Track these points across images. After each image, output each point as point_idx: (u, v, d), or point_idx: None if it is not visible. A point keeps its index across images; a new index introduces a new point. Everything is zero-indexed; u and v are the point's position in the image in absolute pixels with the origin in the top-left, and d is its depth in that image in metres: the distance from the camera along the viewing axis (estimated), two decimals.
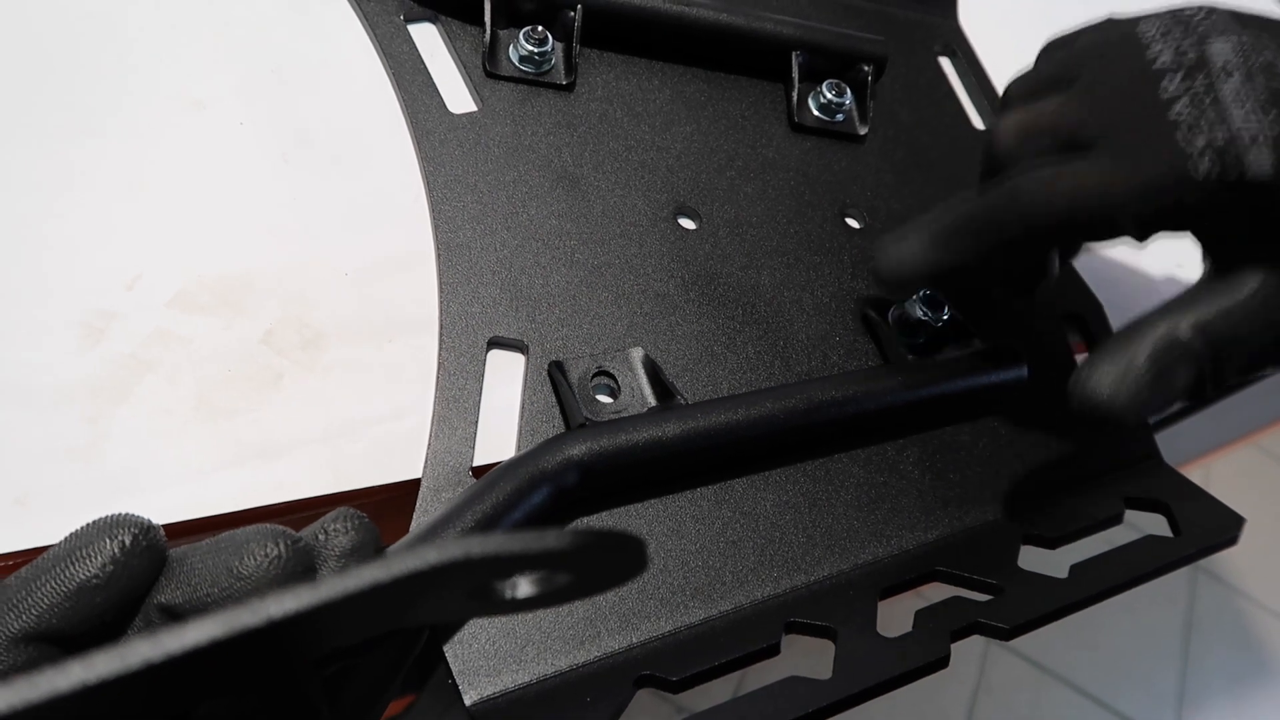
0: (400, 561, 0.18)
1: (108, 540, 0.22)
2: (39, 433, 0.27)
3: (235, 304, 0.31)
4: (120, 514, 0.23)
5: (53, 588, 0.21)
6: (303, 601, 0.17)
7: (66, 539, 0.22)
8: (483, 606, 0.22)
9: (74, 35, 0.34)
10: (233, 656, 0.19)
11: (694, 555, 0.32)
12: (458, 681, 0.28)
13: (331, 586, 0.18)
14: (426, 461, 0.31)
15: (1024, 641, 1.39)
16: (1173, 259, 0.48)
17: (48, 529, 0.26)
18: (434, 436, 0.31)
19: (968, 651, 1.39)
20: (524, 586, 0.20)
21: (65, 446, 0.27)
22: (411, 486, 0.30)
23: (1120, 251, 0.48)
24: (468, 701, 0.28)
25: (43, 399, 0.28)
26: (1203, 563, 1.54)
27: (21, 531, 0.26)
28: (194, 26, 0.36)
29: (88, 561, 0.21)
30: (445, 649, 0.28)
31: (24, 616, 0.21)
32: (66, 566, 0.22)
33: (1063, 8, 0.56)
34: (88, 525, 0.22)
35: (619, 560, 0.20)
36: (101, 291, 0.30)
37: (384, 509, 0.31)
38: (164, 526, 0.26)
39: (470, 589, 0.20)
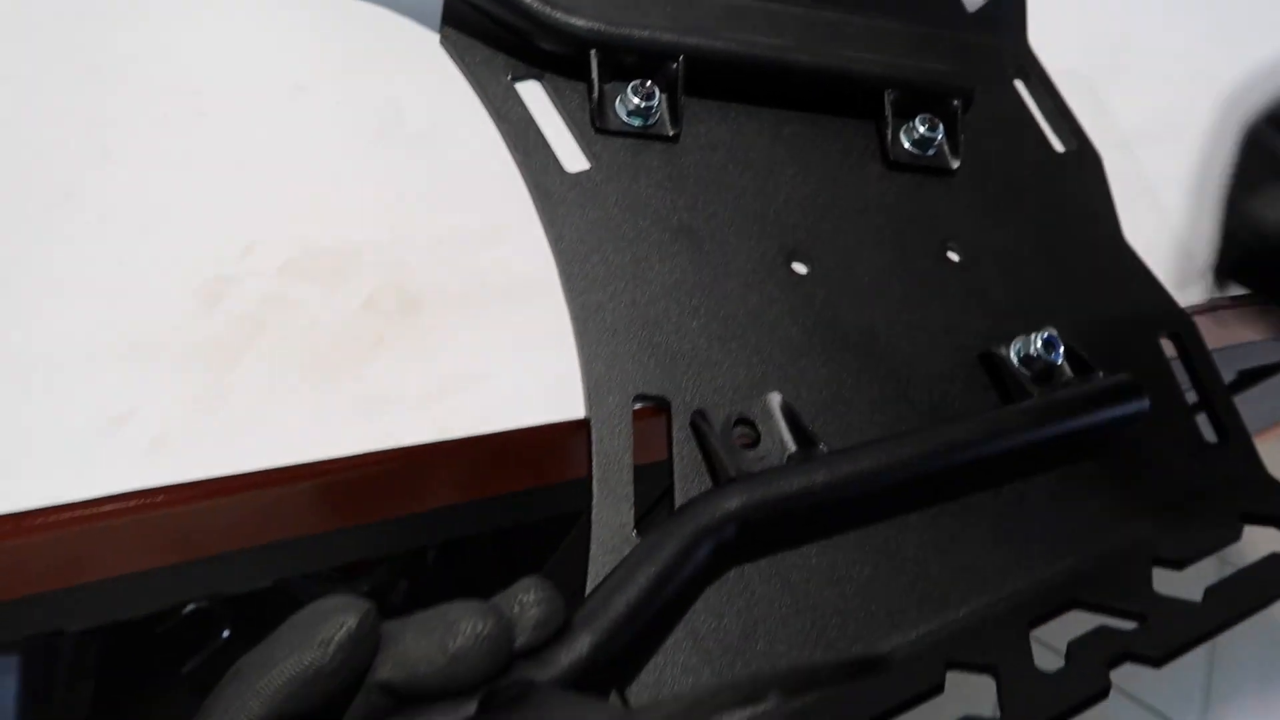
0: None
1: (338, 628, 0.23)
2: (168, 384, 0.30)
3: (339, 271, 0.34)
4: (341, 598, 0.24)
5: (289, 675, 0.22)
6: None
7: (295, 620, 0.23)
8: None
9: (185, 24, 0.36)
10: None
11: (845, 600, 0.33)
12: None
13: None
14: (594, 525, 0.32)
15: (1049, 632, 1.42)
16: None
17: (181, 469, 0.29)
18: (597, 502, 0.32)
19: None
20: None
21: (193, 396, 0.30)
22: (504, 439, 0.33)
23: (1177, 246, 0.49)
24: None
25: (171, 354, 0.30)
26: (1232, 557, 1.57)
27: (158, 471, 0.28)
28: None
29: (322, 649, 0.22)
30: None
31: (264, 703, 0.22)
32: (301, 654, 0.22)
33: (1123, 24, 0.58)
34: (314, 608, 0.23)
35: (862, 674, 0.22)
36: (219, 260, 0.32)
37: (481, 460, 0.33)
38: (282, 470, 0.30)
39: None
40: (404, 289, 0.34)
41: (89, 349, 0.29)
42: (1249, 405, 0.66)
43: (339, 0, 0.39)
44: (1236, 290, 0.49)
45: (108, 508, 0.28)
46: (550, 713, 0.19)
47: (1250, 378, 0.73)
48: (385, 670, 0.24)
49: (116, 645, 0.75)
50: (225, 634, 0.79)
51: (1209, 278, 0.48)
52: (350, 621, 0.23)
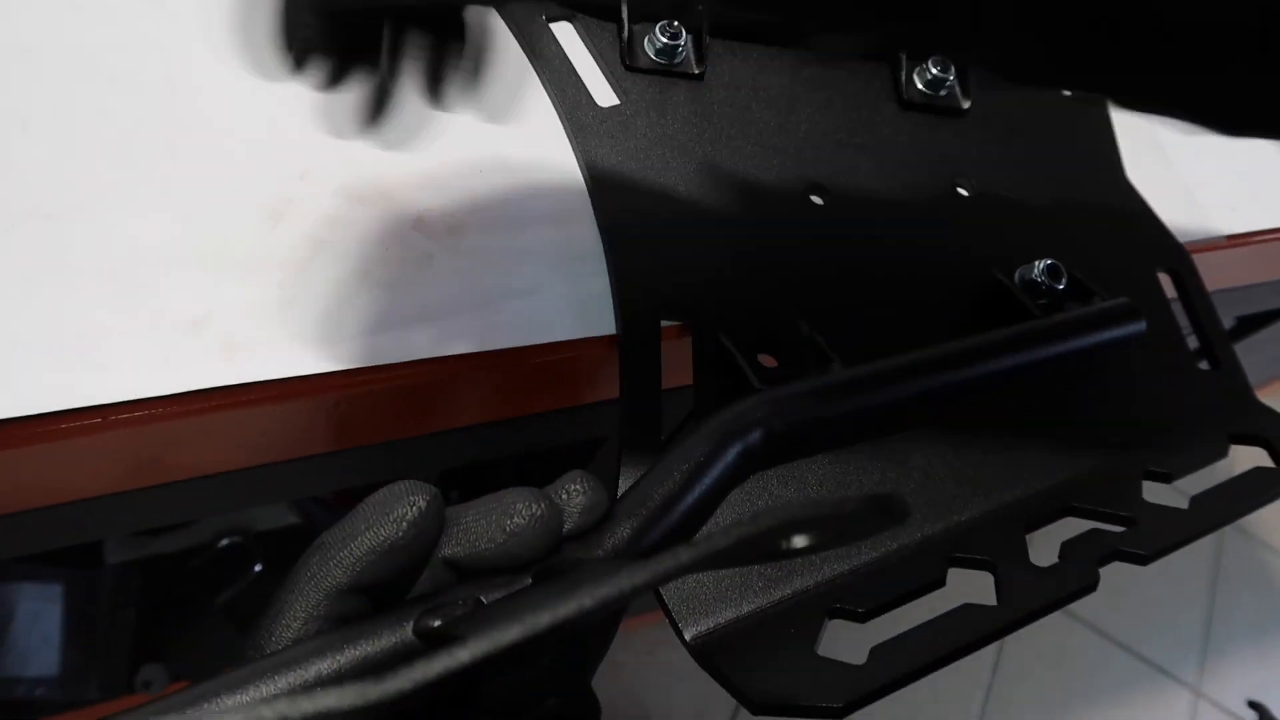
0: (739, 530, 0.21)
1: (408, 507, 0.25)
2: (236, 294, 0.33)
3: (389, 195, 0.36)
4: (411, 481, 0.26)
5: (368, 547, 0.25)
6: (689, 557, 0.20)
7: (369, 502, 0.26)
8: (762, 557, 0.25)
9: None
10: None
11: None
12: (676, 621, 0.32)
13: (690, 553, 0.21)
14: (622, 435, 0.35)
15: (1047, 541, 1.44)
16: (1228, 201, 0.52)
17: (250, 370, 0.31)
18: (624, 417, 0.35)
19: (992, 599, 1.44)
20: (799, 540, 0.24)
21: (260, 305, 0.33)
22: (544, 349, 0.36)
23: (1181, 189, 0.51)
24: (687, 637, 0.31)
25: (240, 266, 0.33)
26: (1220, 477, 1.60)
27: (230, 371, 0.31)
28: None
29: (395, 525, 0.25)
30: (661, 592, 0.32)
31: (346, 572, 0.25)
32: (378, 529, 0.25)
33: None
34: (385, 491, 0.26)
35: (888, 520, 0.23)
36: (280, 181, 0.35)
37: (522, 371, 0.36)
38: (347, 373, 0.32)
39: (761, 544, 0.23)
40: (451, 212, 0.37)
41: (166, 260, 0.32)
42: (1248, 355, 0.68)
43: None
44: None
45: (190, 406, 0.30)
46: (609, 575, 0.21)
47: (1249, 324, 0.75)
48: (450, 548, 0.26)
49: (155, 577, 0.79)
50: (257, 568, 0.83)
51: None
52: (420, 501, 0.26)
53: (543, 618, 0.20)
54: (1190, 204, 0.51)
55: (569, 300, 0.36)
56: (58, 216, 0.32)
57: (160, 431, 0.31)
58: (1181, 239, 0.48)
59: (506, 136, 0.39)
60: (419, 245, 0.36)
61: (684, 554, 0.21)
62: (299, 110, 0.37)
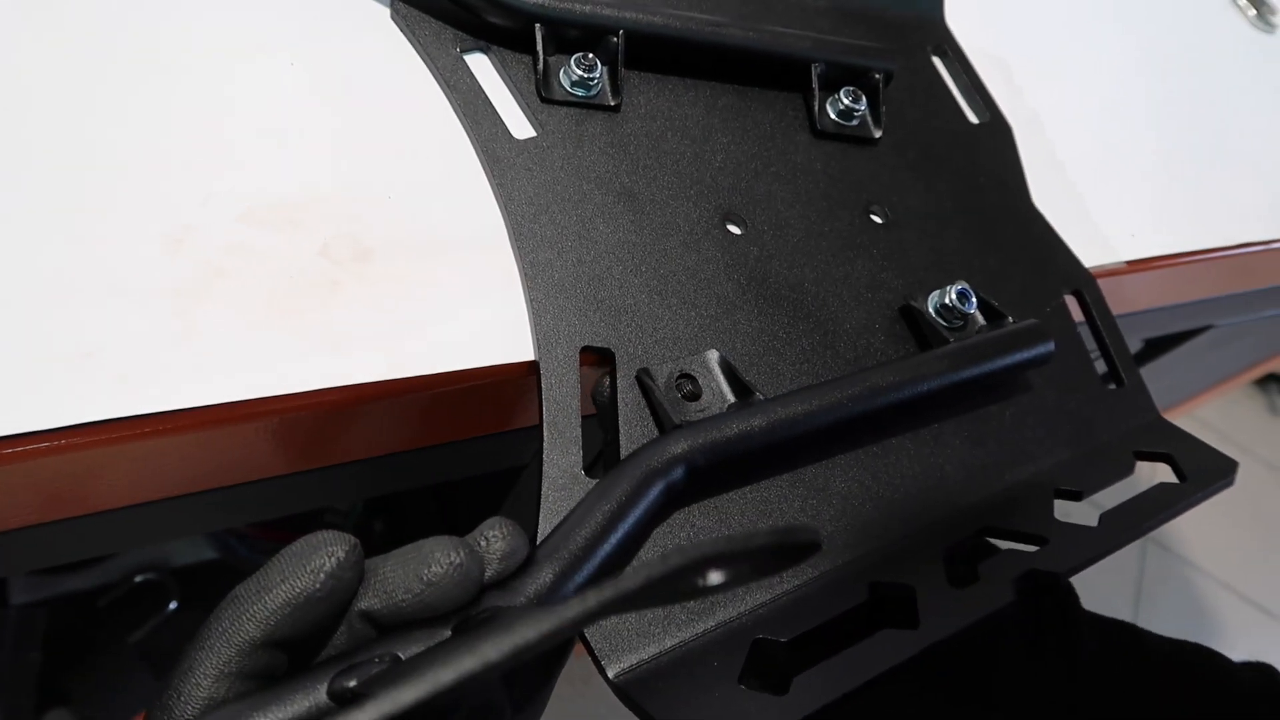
0: (653, 568, 0.21)
1: (326, 558, 0.25)
2: (134, 323, 0.32)
3: (295, 221, 0.35)
4: (330, 532, 0.26)
5: (283, 599, 0.24)
6: (597, 602, 0.20)
7: (286, 553, 0.25)
8: (678, 596, 0.25)
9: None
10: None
11: None
12: (598, 658, 0.31)
13: (596, 598, 0.21)
14: (544, 467, 0.34)
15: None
16: (1131, 226, 0.54)
17: (145, 402, 0.30)
18: (548, 444, 0.34)
19: None
20: (714, 577, 0.24)
21: (157, 335, 0.32)
22: (456, 377, 0.35)
23: (1082, 215, 0.53)
24: (610, 674, 0.31)
25: (137, 296, 0.32)
26: (1151, 533, 1.66)
27: (124, 403, 0.30)
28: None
29: (311, 576, 0.24)
30: (584, 630, 0.31)
31: (259, 626, 0.24)
32: (294, 581, 0.24)
33: (1041, 8, 0.61)
34: (303, 542, 0.25)
35: (801, 552, 0.23)
36: (180, 207, 0.34)
37: (433, 397, 0.35)
38: (248, 403, 0.32)
39: (680, 584, 0.23)
40: (358, 239, 0.36)
41: (60, 289, 0.31)
42: (1157, 378, 0.71)
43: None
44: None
45: (85, 438, 0.29)
46: (515, 624, 0.21)
47: (1156, 347, 0.78)
48: (367, 600, 0.26)
49: (63, 617, 0.76)
50: (172, 605, 0.80)
51: None
52: (339, 552, 0.25)
53: (446, 674, 0.20)
54: (1092, 230, 0.53)
55: (485, 326, 0.36)
56: None
57: (54, 465, 0.30)
58: (1085, 264, 0.49)
59: (416, 161, 0.39)
60: (325, 272, 0.35)
61: (592, 600, 0.21)
62: (205, 131, 0.36)
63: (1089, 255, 0.51)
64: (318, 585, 0.24)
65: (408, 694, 0.19)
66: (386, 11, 0.41)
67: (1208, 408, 1.73)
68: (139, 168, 0.34)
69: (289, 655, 0.25)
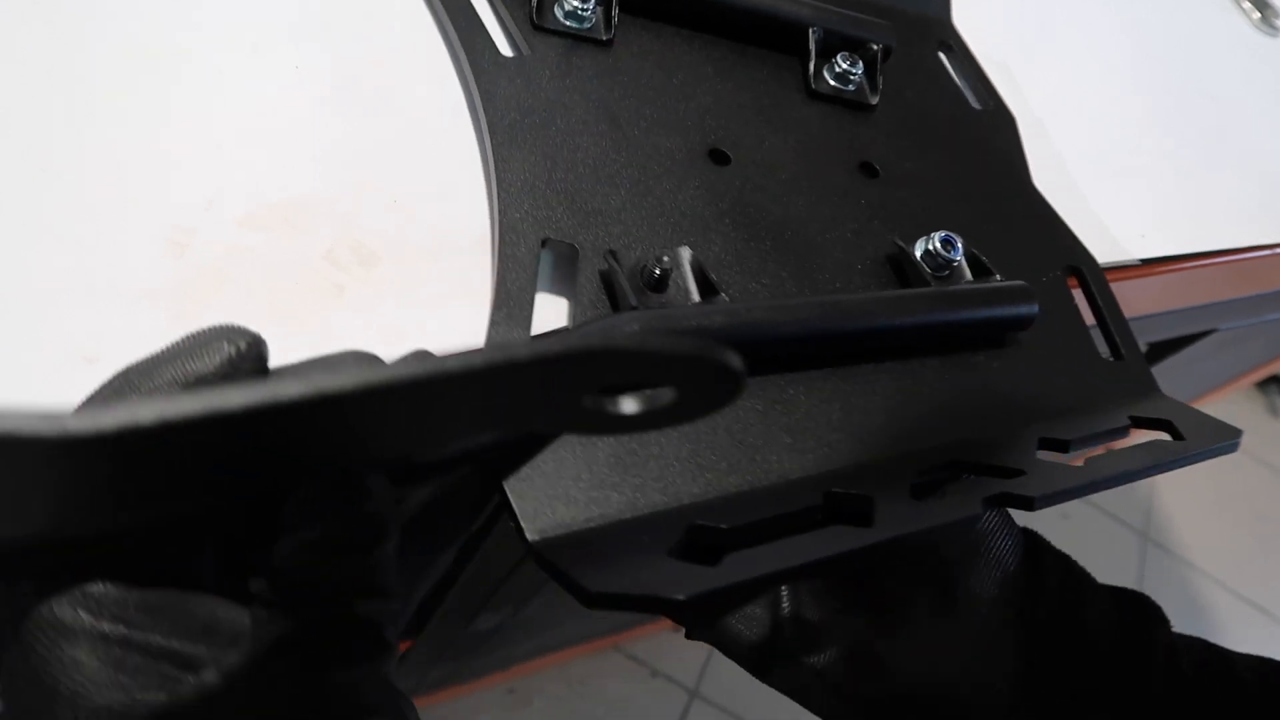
0: (550, 343, 0.18)
1: (225, 343, 0.23)
2: (137, 328, 0.30)
3: (299, 225, 0.34)
4: (235, 324, 0.24)
5: (172, 377, 0.23)
6: (461, 363, 0.18)
7: (184, 338, 0.24)
8: (587, 420, 0.23)
9: None
10: (343, 426, 0.20)
11: (734, 435, 0.34)
12: (519, 519, 0.29)
13: (472, 356, 0.19)
14: (486, 341, 0.33)
15: None
16: (1136, 228, 0.52)
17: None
18: (493, 320, 0.33)
19: None
20: (630, 404, 0.22)
21: (160, 340, 0.29)
22: None
23: (1090, 217, 0.52)
24: (529, 537, 0.29)
25: (140, 300, 0.31)
26: (1151, 534, 1.70)
27: None
28: None
29: (206, 359, 0.23)
30: (506, 488, 0.29)
31: (142, 398, 0.23)
32: (186, 361, 0.23)
33: (1064, 7, 0.62)
34: (206, 329, 0.24)
35: (721, 384, 0.20)
36: (183, 209, 0.33)
37: None
38: None
39: (583, 397, 0.21)
40: (363, 243, 0.35)
41: (63, 293, 0.30)
42: (1159, 380, 0.69)
43: None
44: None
45: None
46: (399, 364, 0.19)
47: (1160, 350, 0.76)
48: None
49: None
50: None
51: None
52: (241, 342, 0.24)
53: (288, 388, 0.17)
54: (1101, 231, 0.52)
55: (486, 332, 0.34)
56: None
57: None
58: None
59: (423, 165, 0.38)
60: (329, 277, 0.34)
61: (463, 358, 0.19)
62: (207, 133, 0.35)
63: (1097, 254, 0.49)
64: (210, 369, 0.23)
65: (236, 396, 0.17)
66: (398, 11, 0.41)
67: (1208, 409, 1.73)
68: (141, 170, 0.33)
69: None
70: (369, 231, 0.35)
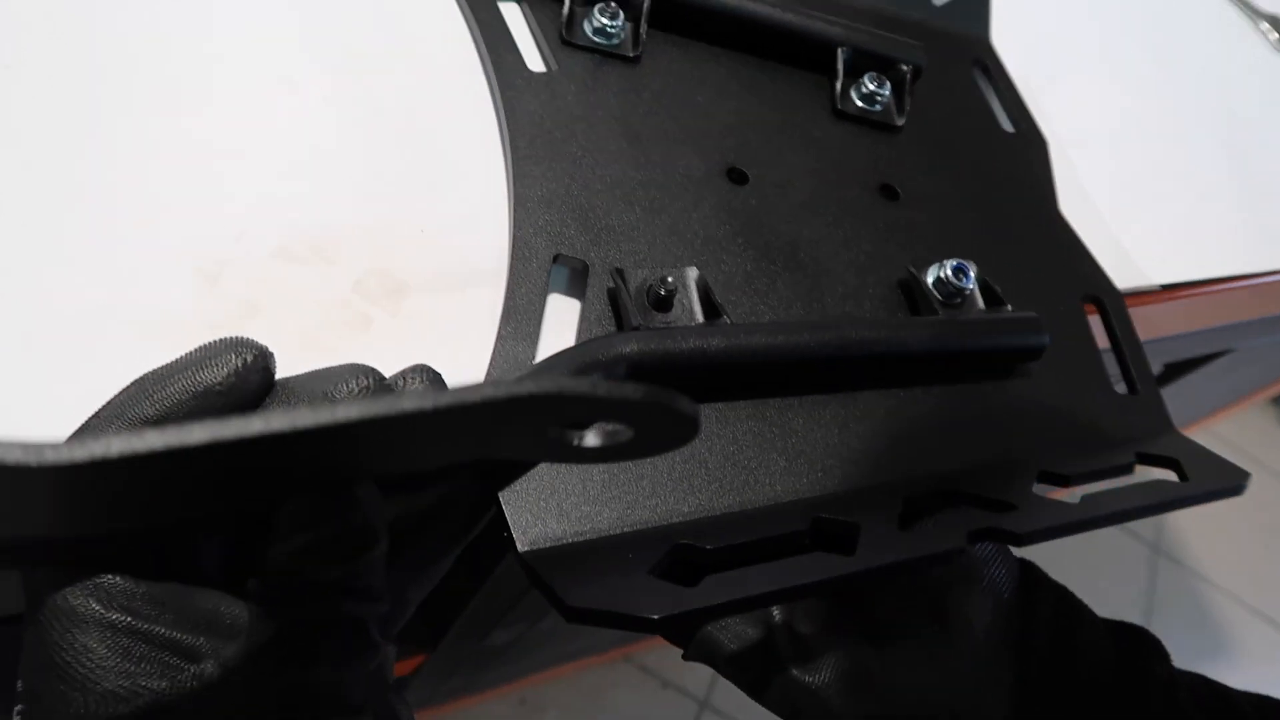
0: (500, 387, 0.19)
1: (233, 355, 0.25)
2: (165, 359, 0.30)
3: (329, 256, 0.35)
4: (242, 336, 0.26)
5: (184, 385, 0.25)
6: (416, 403, 0.19)
7: (196, 349, 0.26)
8: (552, 450, 0.24)
9: (179, 24, 0.38)
10: (325, 449, 0.21)
11: (729, 456, 0.35)
12: (511, 529, 0.30)
13: (433, 397, 0.20)
14: (493, 354, 0.34)
15: None
16: (1158, 253, 0.51)
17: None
18: (501, 333, 0.34)
19: None
20: (591, 438, 0.23)
21: None
22: None
23: (1111, 242, 0.51)
24: (519, 547, 0.30)
25: (173, 332, 0.32)
26: (1163, 547, 1.69)
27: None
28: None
29: (215, 369, 0.25)
30: (501, 499, 0.31)
31: (156, 406, 0.24)
32: (197, 371, 0.25)
33: (1086, 32, 0.61)
34: (215, 341, 0.26)
35: (674, 426, 0.21)
36: (214, 241, 0.34)
37: None
38: None
39: (547, 430, 0.22)
40: (391, 274, 0.35)
41: (98, 327, 0.31)
42: (1173, 399, 0.68)
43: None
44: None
45: None
46: (350, 401, 0.21)
47: (1176, 370, 0.75)
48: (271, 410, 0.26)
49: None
50: None
51: None
52: (247, 355, 0.25)
53: (252, 425, 0.19)
54: (1120, 255, 0.51)
55: (494, 346, 0.35)
56: None
57: None
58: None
59: (451, 196, 0.38)
60: (358, 308, 0.34)
61: (429, 398, 0.20)
62: (238, 166, 0.36)
63: (1118, 280, 0.49)
64: (218, 380, 0.25)
65: (197, 433, 0.19)
66: (427, 37, 0.42)
67: (1222, 424, 1.73)
68: (174, 203, 0.34)
69: None
70: (397, 261, 0.35)
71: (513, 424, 0.21)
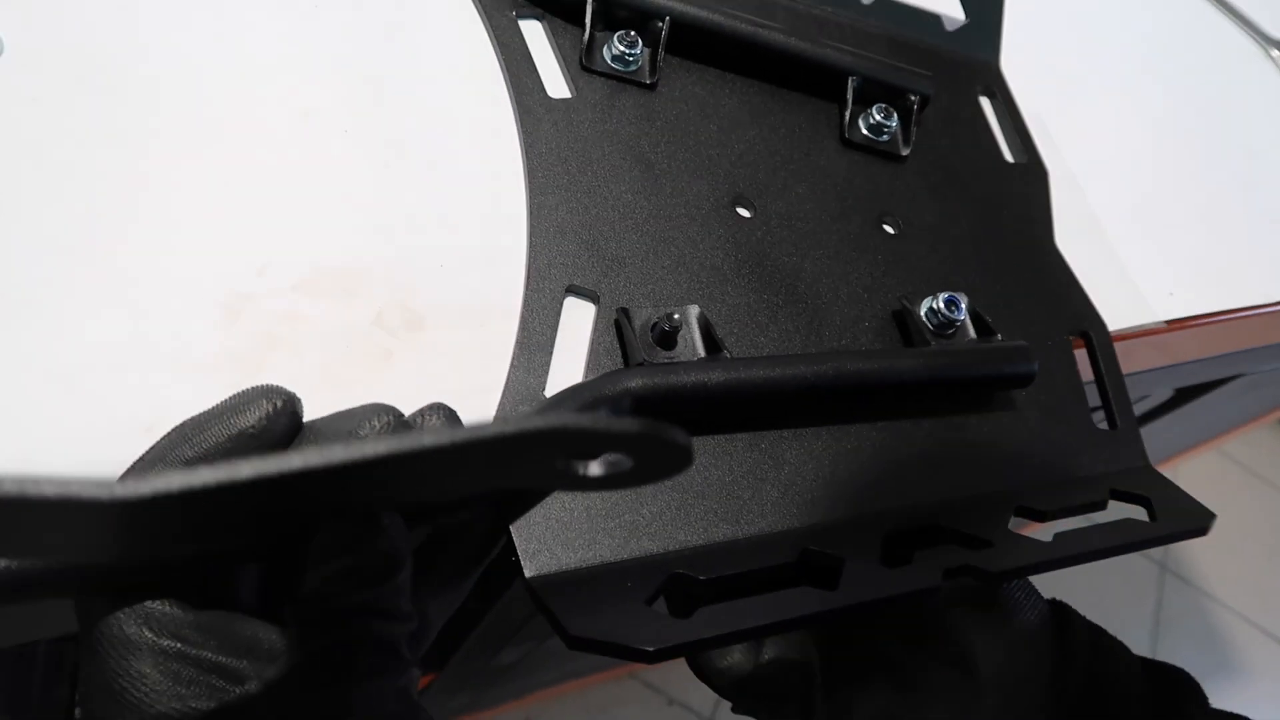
0: (510, 423, 0.22)
1: (264, 401, 0.27)
2: (192, 394, 0.32)
3: (349, 290, 0.36)
4: (272, 384, 0.28)
5: (220, 431, 0.27)
6: (435, 439, 0.21)
7: (230, 397, 0.28)
8: (560, 479, 0.26)
9: (200, 58, 0.39)
10: (354, 483, 0.23)
11: (725, 487, 0.37)
12: (520, 556, 0.33)
13: (451, 433, 0.22)
14: (506, 382, 0.36)
15: None
16: (1165, 285, 0.53)
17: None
18: (514, 364, 0.36)
19: None
20: (595, 467, 0.25)
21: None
22: None
23: (1121, 274, 0.53)
24: (527, 573, 0.33)
25: (195, 366, 0.33)
26: (1170, 565, 1.72)
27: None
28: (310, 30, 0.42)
29: (248, 415, 0.27)
30: (511, 529, 0.33)
31: (195, 449, 0.27)
32: (231, 417, 0.27)
33: (1097, 60, 0.62)
34: (247, 389, 0.28)
35: (669, 456, 0.23)
36: (237, 277, 0.35)
37: None
38: None
39: (555, 461, 0.24)
40: (410, 307, 0.37)
41: (119, 362, 0.32)
42: (1183, 421, 0.70)
43: (348, 29, 0.41)
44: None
45: None
46: (369, 440, 0.23)
47: (1186, 394, 0.77)
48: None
49: None
50: None
51: None
52: (277, 400, 0.28)
53: (291, 461, 0.21)
54: (1129, 288, 0.53)
55: (506, 375, 0.36)
56: (4, 313, 0.31)
57: None
58: (1120, 322, 0.49)
59: (469, 230, 0.39)
60: (378, 341, 0.35)
61: (445, 435, 0.22)
62: (259, 200, 0.36)
63: (1126, 314, 0.51)
64: (251, 424, 0.27)
65: (246, 468, 0.21)
66: (449, 61, 0.42)
67: (1229, 445, 1.74)
68: (196, 238, 0.35)
69: None
70: (417, 295, 0.37)
71: (524, 456, 0.24)
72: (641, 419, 0.22)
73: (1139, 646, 0.38)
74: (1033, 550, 0.37)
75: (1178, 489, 0.42)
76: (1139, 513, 0.42)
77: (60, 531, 0.21)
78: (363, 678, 0.27)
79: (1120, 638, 0.38)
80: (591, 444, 0.23)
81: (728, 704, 0.41)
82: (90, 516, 0.20)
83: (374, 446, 0.21)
